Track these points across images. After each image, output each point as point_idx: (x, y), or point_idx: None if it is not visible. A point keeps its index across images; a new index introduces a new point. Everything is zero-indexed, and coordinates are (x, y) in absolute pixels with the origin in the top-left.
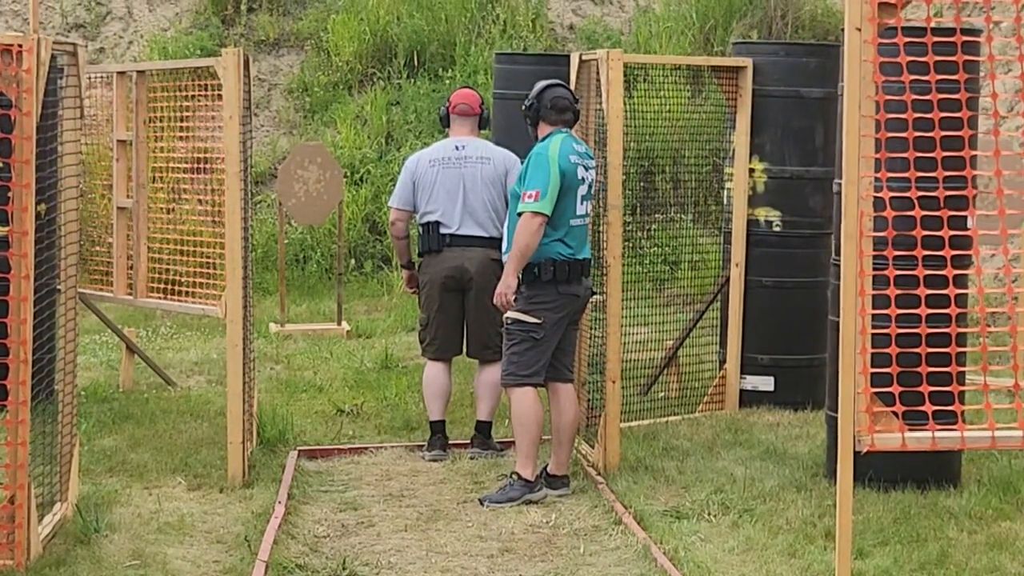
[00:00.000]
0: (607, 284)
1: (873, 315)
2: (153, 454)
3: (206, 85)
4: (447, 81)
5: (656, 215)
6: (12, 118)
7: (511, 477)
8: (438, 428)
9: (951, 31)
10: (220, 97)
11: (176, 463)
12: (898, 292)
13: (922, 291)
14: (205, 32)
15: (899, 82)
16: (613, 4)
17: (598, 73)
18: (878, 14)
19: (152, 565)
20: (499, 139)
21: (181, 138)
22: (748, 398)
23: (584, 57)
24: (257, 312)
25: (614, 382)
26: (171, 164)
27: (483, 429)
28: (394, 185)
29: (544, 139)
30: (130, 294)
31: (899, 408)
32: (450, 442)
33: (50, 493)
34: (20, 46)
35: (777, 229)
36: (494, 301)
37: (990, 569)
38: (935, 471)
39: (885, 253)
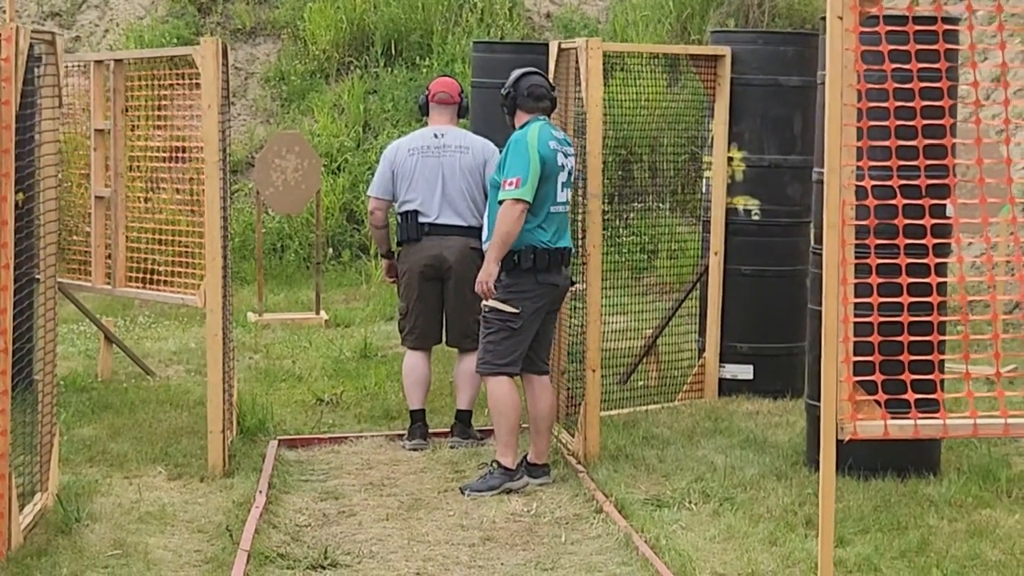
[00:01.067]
0: (587, 273)
1: (855, 303)
2: (133, 444)
3: (183, 74)
4: (424, 70)
5: (633, 204)
6: None
7: (491, 465)
8: (418, 417)
9: (932, 19)
10: (197, 86)
11: (156, 452)
12: (880, 280)
13: (903, 279)
14: (181, 20)
15: (880, 71)
16: None
17: (577, 61)
18: (859, 2)
19: (133, 555)
20: (477, 127)
21: (158, 127)
22: (727, 386)
23: (563, 45)
24: (235, 301)
25: (594, 371)
26: (149, 153)
27: (463, 418)
28: (372, 174)
29: (522, 127)
30: (108, 283)
31: (881, 396)
32: (430, 431)
33: (30, 483)
34: None
35: (756, 218)
36: (475, 289)
37: (971, 557)
38: (915, 459)
39: (867, 241)
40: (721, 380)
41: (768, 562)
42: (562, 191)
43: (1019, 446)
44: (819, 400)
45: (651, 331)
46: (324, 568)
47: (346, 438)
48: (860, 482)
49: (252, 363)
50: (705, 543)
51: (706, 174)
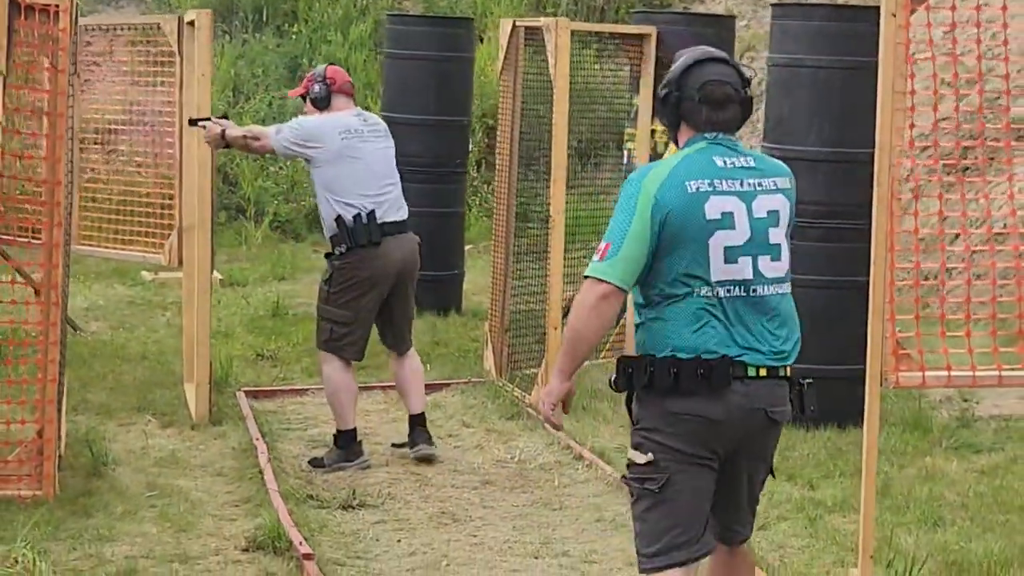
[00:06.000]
0: (550, 238)
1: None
2: (108, 394)
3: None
4: (293, 36)
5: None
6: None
7: None
8: (354, 436)
9: None
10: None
11: (137, 402)
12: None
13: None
14: None
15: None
16: None
17: (527, 39)
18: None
19: (173, 496)
20: (393, 100)
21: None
22: None
23: (517, 23)
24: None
25: (555, 328)
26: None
27: (421, 421)
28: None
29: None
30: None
31: (920, 350)
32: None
33: None
34: (57, 6)
35: None
36: (543, 414)
37: (932, 499)
38: (852, 410)
39: None
40: None
41: None
42: (746, 256)
43: (931, 399)
44: None
45: (571, 293)
46: (355, 508)
47: (307, 390)
48: (805, 432)
49: (166, 319)
50: None
51: (628, 145)
